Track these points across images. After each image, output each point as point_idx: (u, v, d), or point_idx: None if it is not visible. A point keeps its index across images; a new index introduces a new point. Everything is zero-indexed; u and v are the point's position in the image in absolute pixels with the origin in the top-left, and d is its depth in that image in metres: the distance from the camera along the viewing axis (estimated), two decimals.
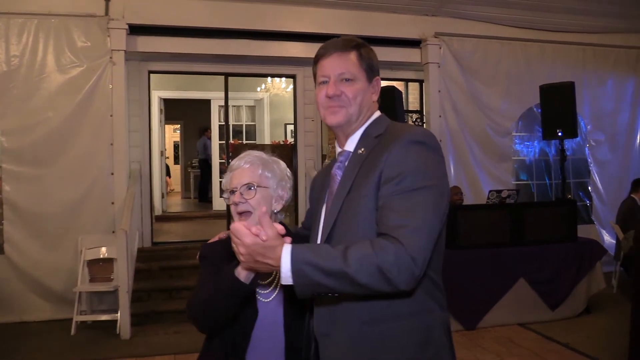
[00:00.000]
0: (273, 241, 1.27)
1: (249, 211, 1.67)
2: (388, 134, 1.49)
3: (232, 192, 1.70)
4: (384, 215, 1.33)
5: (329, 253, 1.27)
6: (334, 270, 1.25)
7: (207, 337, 1.73)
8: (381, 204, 1.35)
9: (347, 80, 1.52)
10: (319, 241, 1.53)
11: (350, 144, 1.55)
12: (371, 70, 1.55)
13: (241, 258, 1.32)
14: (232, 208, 1.70)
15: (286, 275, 1.26)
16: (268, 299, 1.69)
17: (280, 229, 1.29)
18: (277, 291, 1.70)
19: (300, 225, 2.01)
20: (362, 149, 1.50)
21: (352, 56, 1.53)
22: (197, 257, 1.77)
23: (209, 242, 1.81)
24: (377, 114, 1.60)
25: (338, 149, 1.62)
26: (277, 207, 1.74)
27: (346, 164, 1.54)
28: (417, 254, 1.26)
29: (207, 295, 1.53)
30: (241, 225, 1.28)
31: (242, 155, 1.77)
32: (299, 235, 1.77)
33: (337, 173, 1.55)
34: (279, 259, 1.26)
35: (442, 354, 1.45)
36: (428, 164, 1.37)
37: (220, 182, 7.55)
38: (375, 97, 1.58)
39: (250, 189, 1.68)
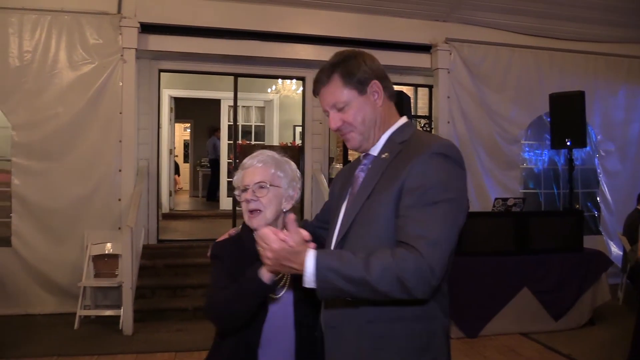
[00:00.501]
0: (298, 247, 1.33)
1: (260, 209, 1.71)
2: (412, 142, 1.51)
3: (244, 189, 1.72)
4: (405, 225, 1.37)
5: (352, 261, 1.32)
6: (356, 278, 1.30)
7: (218, 335, 1.75)
8: (402, 214, 1.39)
9: (341, 109, 1.54)
10: (334, 238, 1.58)
11: (375, 149, 1.59)
12: (360, 82, 1.53)
13: (267, 262, 1.37)
14: (244, 205, 1.73)
15: (309, 279, 1.33)
16: (277, 296, 1.72)
17: (306, 234, 1.34)
18: (285, 289, 1.73)
19: (311, 218, 2.05)
20: (386, 154, 1.53)
21: (335, 82, 1.54)
22: (208, 255, 1.79)
23: (218, 240, 1.84)
24: (402, 120, 1.61)
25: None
26: (287, 206, 1.77)
27: (369, 166, 1.57)
28: (435, 265, 1.31)
29: (231, 295, 1.56)
30: (269, 230, 1.34)
31: (255, 154, 1.80)
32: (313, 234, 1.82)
33: (360, 175, 1.60)
34: (303, 264, 1.32)
35: (441, 356, 1.50)
36: (449, 177, 1.41)
37: (229, 181, 7.55)
38: (380, 101, 1.55)
39: (262, 187, 1.71)
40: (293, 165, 1.84)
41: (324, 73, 1.56)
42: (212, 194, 11.40)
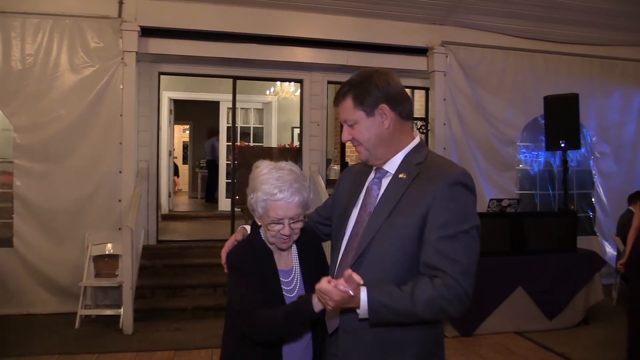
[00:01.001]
0: (355, 292, 1.45)
1: (291, 238, 1.78)
2: (429, 165, 1.64)
3: (277, 222, 1.72)
4: (438, 253, 1.51)
5: (399, 296, 1.49)
6: (404, 311, 1.49)
7: (238, 335, 1.76)
8: (431, 245, 1.53)
9: (351, 125, 1.68)
10: (343, 246, 1.72)
11: (390, 166, 1.69)
12: (369, 105, 1.64)
13: (329, 308, 1.49)
14: (273, 233, 1.74)
15: (363, 313, 1.50)
16: (292, 295, 1.78)
17: (358, 279, 1.43)
18: (295, 284, 1.81)
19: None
20: (403, 174, 1.65)
21: (348, 103, 1.67)
22: (225, 266, 1.81)
23: (229, 248, 1.85)
24: (416, 141, 1.72)
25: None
26: (306, 210, 1.82)
27: (384, 182, 1.69)
28: (469, 289, 1.50)
29: (282, 319, 1.59)
30: (329, 286, 1.43)
31: (278, 182, 1.72)
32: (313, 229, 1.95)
33: (374, 189, 1.71)
34: (358, 302, 1.48)
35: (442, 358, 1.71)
36: (470, 206, 1.58)
37: (227, 183, 7.53)
38: (387, 123, 1.64)
39: (298, 220, 1.75)
40: (299, 169, 1.85)
41: (342, 91, 1.70)
42: (210, 195, 11.44)
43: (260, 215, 1.77)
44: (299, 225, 1.76)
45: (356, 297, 1.46)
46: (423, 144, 1.74)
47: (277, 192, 1.70)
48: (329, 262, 1.87)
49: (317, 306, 1.53)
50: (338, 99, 1.71)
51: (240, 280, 1.72)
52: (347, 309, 1.54)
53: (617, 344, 4.00)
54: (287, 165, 1.79)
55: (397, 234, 1.57)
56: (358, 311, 1.50)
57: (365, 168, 1.81)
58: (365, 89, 1.64)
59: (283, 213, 1.71)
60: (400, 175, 1.65)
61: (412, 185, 1.60)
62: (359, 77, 1.67)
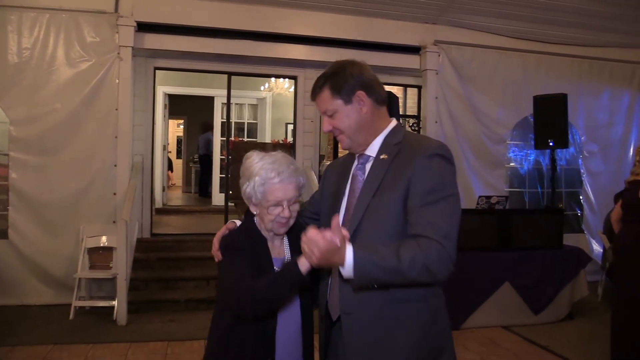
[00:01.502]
0: (341, 244, 1.50)
1: (290, 221, 1.85)
2: (407, 143, 1.72)
3: (276, 205, 1.80)
4: (420, 221, 1.58)
5: (385, 253, 1.52)
6: (390, 267, 1.51)
7: (229, 323, 1.80)
8: (414, 212, 1.60)
9: (331, 115, 1.76)
10: None
11: (371, 150, 1.78)
12: (347, 93, 1.73)
13: (314, 259, 1.51)
14: (272, 217, 1.81)
15: (348, 271, 1.52)
16: None
17: (346, 234, 1.51)
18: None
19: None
20: (384, 155, 1.73)
21: (325, 94, 1.76)
22: (219, 247, 1.85)
23: (224, 233, 1.91)
24: (393, 123, 1.81)
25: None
26: (301, 193, 1.89)
27: (367, 167, 1.77)
28: (452, 252, 1.56)
29: (270, 284, 1.64)
30: (316, 232, 1.48)
31: (274, 166, 1.80)
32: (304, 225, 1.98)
33: (359, 174, 1.79)
34: (343, 258, 1.51)
35: (446, 330, 1.77)
36: (449, 176, 1.65)
37: (221, 178, 7.57)
38: (365, 108, 1.74)
39: (295, 202, 1.84)
40: (294, 159, 1.94)
41: (318, 84, 1.77)
42: (204, 190, 11.48)
43: (258, 201, 1.82)
44: (297, 207, 1.84)
45: (342, 251, 1.49)
46: (399, 125, 1.83)
47: (274, 176, 1.79)
48: None
49: (303, 266, 1.58)
50: (315, 92, 1.78)
51: (234, 259, 1.77)
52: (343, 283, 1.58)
53: (600, 338, 4.11)
54: (278, 153, 1.88)
55: (384, 210, 1.65)
56: (342, 270, 1.52)
57: (348, 159, 1.90)
58: (341, 78, 1.73)
59: (282, 195, 1.79)
60: (382, 157, 1.73)
61: (394, 163, 1.69)
62: (333, 69, 1.76)
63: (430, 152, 1.64)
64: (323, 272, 1.83)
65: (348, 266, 1.50)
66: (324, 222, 1.86)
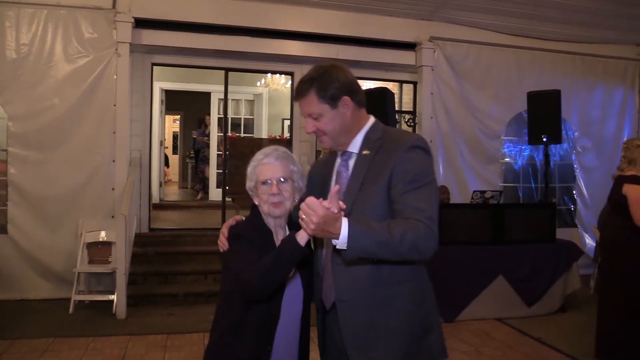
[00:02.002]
0: (338, 214, 1.55)
1: (282, 201, 1.91)
2: (387, 138, 1.81)
3: (264, 183, 1.90)
4: (404, 207, 1.67)
5: (377, 226, 1.59)
6: (382, 240, 1.58)
7: (241, 308, 1.86)
8: (398, 200, 1.69)
9: (316, 118, 1.81)
10: None
11: (353, 146, 1.85)
12: (333, 98, 1.78)
13: (311, 226, 1.54)
14: (264, 197, 1.90)
15: (342, 242, 1.56)
16: (290, 274, 1.91)
17: (342, 204, 1.58)
18: (294, 270, 1.92)
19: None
20: (366, 151, 1.81)
21: (311, 97, 1.79)
22: (222, 245, 1.93)
23: (232, 224, 1.97)
24: (372, 120, 1.89)
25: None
26: (297, 197, 1.97)
27: (350, 164, 1.85)
28: (436, 231, 1.64)
29: (271, 261, 1.70)
30: (315, 199, 1.54)
31: (268, 150, 1.97)
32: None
33: (343, 170, 1.87)
34: (339, 229, 1.55)
35: (432, 307, 1.86)
36: (427, 165, 1.75)
37: (217, 173, 7.60)
38: (349, 112, 1.80)
39: (284, 182, 1.92)
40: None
41: (304, 87, 1.81)
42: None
43: (254, 185, 1.94)
44: (287, 187, 1.91)
45: (338, 222, 1.54)
46: (378, 121, 1.91)
47: (262, 157, 1.94)
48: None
49: (301, 239, 1.65)
50: (300, 95, 1.82)
51: (243, 247, 1.85)
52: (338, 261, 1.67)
53: (592, 330, 4.18)
54: (280, 148, 2.00)
55: (371, 202, 1.73)
56: (336, 242, 1.57)
57: (330, 157, 1.98)
58: (327, 83, 1.77)
59: (270, 174, 1.90)
60: (364, 152, 1.82)
61: (376, 158, 1.77)
62: (318, 72, 1.80)
63: (410, 145, 1.73)
64: (316, 266, 1.91)
65: (342, 237, 1.55)
66: None
